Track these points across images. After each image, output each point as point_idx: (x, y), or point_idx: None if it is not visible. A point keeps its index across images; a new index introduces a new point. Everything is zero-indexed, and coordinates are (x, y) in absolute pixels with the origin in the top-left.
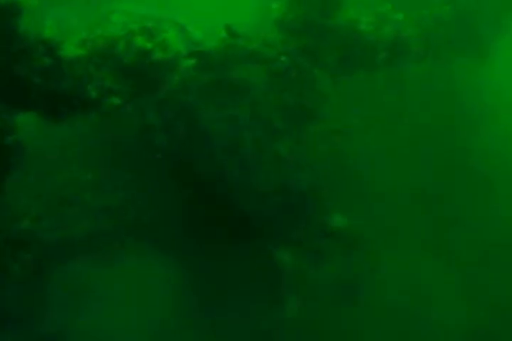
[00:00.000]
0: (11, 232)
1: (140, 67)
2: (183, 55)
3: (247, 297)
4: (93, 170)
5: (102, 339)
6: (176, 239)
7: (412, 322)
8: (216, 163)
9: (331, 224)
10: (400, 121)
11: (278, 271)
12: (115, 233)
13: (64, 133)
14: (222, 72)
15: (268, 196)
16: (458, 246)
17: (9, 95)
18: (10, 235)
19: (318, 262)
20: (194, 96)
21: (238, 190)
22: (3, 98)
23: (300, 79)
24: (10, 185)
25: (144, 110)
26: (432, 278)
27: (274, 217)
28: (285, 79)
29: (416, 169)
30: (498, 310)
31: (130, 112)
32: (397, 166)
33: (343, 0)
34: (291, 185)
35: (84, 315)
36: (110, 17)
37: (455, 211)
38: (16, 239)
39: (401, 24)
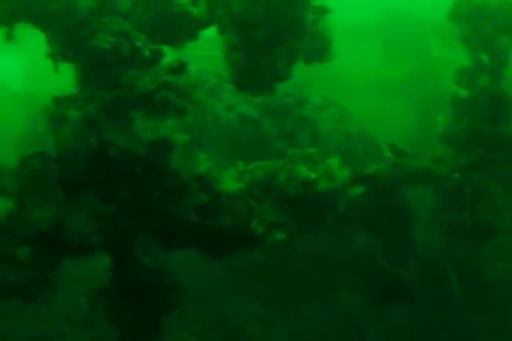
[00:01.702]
0: None
1: (304, 198)
2: (349, 181)
3: None
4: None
5: None
6: None
7: None
8: None
9: None
10: None
11: None
12: None
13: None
14: (390, 196)
15: None
16: None
17: (165, 234)
18: None
19: None
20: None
21: None
22: (158, 238)
23: (475, 195)
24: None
25: None
26: None
27: None
28: (460, 197)
29: None
30: None
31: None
32: None
33: None
34: None
35: None
36: None
37: None
38: None
39: None
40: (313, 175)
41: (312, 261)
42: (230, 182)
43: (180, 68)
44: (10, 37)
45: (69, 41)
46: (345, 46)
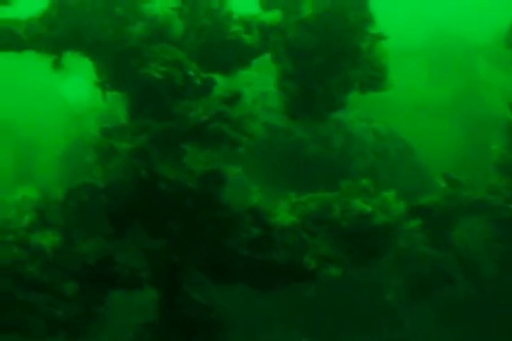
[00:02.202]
0: None
1: (359, 232)
2: (404, 214)
3: None
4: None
5: None
6: None
7: None
8: None
9: None
10: None
11: None
12: None
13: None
14: (445, 228)
15: None
16: None
17: (215, 269)
18: None
19: None
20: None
21: None
22: (208, 272)
23: None
24: None
25: None
26: None
27: None
28: None
29: None
30: None
31: None
32: None
33: None
34: None
35: None
36: None
37: None
38: None
39: None
40: (368, 208)
41: (356, 290)
42: (283, 214)
43: (234, 98)
44: (58, 65)
45: (118, 70)
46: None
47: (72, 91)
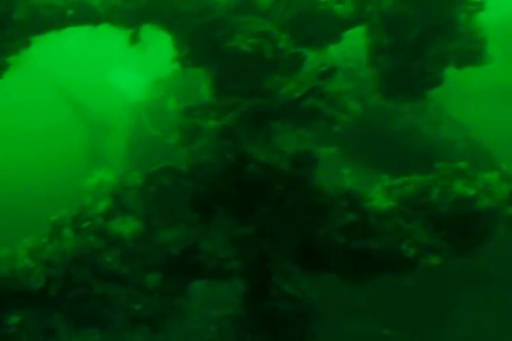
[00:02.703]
0: None
1: (461, 217)
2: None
3: None
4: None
5: None
6: None
7: None
8: None
9: None
10: None
11: None
12: None
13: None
14: None
15: None
16: None
17: (307, 258)
18: None
19: None
20: None
21: None
22: (299, 262)
23: None
24: None
25: None
26: None
27: None
28: None
29: None
30: None
31: None
32: None
33: None
34: None
35: None
36: None
37: None
38: None
39: None
40: (471, 191)
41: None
42: (379, 199)
43: (329, 73)
44: (135, 39)
45: (201, 43)
46: None
47: (125, 84)
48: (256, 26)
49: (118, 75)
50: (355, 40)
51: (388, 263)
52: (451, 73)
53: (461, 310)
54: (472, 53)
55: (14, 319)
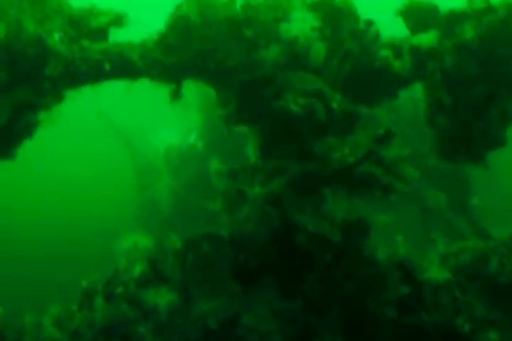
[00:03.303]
0: None
1: None
2: None
3: None
4: None
5: None
6: None
7: None
8: None
9: None
10: None
11: None
12: None
13: None
14: None
15: None
16: None
17: (353, 331)
18: None
19: None
20: None
21: None
22: (348, 337)
23: None
24: None
25: None
26: None
27: None
28: None
29: None
30: None
31: None
32: None
33: None
34: None
35: None
36: None
37: None
38: None
39: None
40: None
41: None
42: (434, 269)
43: (386, 136)
44: (176, 95)
45: (247, 101)
46: None
47: (164, 141)
48: (307, 84)
49: (158, 136)
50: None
51: (442, 339)
52: None
53: None
54: None
55: None
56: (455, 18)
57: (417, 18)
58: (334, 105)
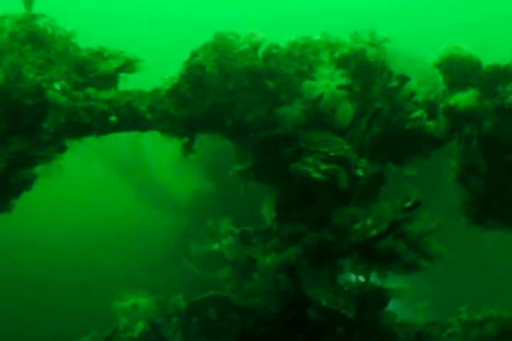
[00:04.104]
0: None
1: None
2: None
3: None
4: None
5: None
6: None
7: None
8: None
9: None
10: None
11: None
12: None
13: None
14: None
15: None
16: None
17: None
18: None
19: None
20: None
21: None
22: None
23: None
24: None
25: None
26: None
27: None
28: None
29: None
30: None
31: None
32: None
33: None
34: None
35: None
36: None
37: None
38: None
39: None
40: None
41: None
42: None
43: (413, 208)
44: (188, 150)
45: (265, 159)
46: None
47: None
48: (331, 147)
49: None
50: None
51: None
52: None
53: None
54: None
55: None
56: (499, 74)
57: (456, 74)
58: (359, 172)
